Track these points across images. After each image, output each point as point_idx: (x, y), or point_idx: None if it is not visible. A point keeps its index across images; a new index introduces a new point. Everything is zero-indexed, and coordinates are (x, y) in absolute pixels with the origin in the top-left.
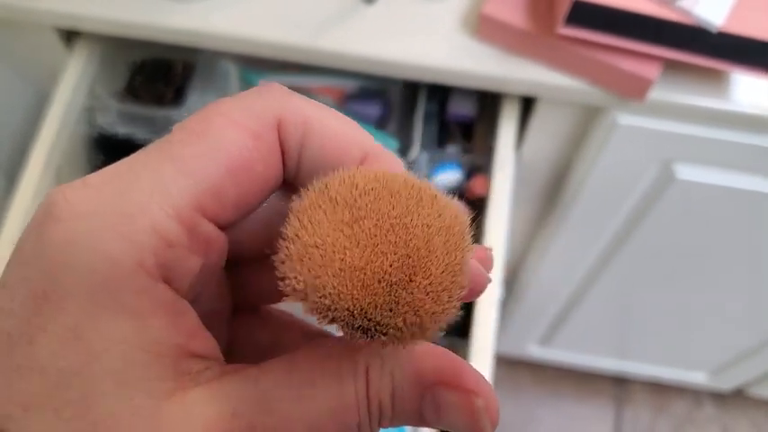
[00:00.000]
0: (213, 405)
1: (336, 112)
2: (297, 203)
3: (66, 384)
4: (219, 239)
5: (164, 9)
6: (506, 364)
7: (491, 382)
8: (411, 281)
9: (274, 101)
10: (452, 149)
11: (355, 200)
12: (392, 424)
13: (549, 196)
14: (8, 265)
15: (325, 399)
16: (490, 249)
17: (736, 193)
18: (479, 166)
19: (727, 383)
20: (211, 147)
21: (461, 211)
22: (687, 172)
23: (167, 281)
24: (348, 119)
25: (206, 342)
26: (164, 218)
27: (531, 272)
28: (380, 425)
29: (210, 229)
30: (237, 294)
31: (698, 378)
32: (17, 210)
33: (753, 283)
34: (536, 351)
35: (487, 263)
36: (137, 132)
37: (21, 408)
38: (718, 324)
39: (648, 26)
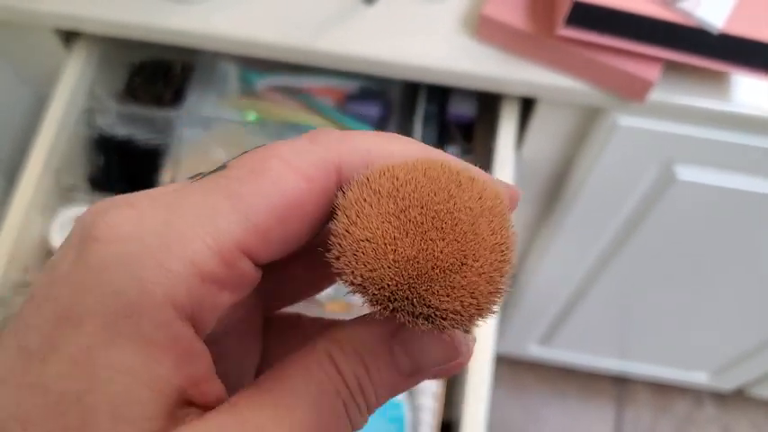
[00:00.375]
0: None
1: (397, 135)
2: (342, 199)
3: (64, 409)
4: (253, 276)
5: (164, 10)
6: (509, 363)
7: (492, 382)
8: (463, 264)
9: (330, 145)
10: (452, 150)
11: (397, 190)
12: (380, 393)
13: (549, 197)
14: (41, 279)
15: (303, 396)
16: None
17: (736, 194)
18: (479, 167)
19: (728, 384)
20: (268, 187)
21: (500, 191)
22: (688, 173)
23: (193, 316)
24: (410, 139)
25: (210, 389)
26: (204, 251)
27: (530, 272)
28: (366, 397)
29: (248, 266)
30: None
31: (699, 378)
32: (16, 210)
33: (753, 284)
34: (536, 351)
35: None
36: (136, 133)
37: (20, 425)
38: (719, 324)
39: (649, 27)
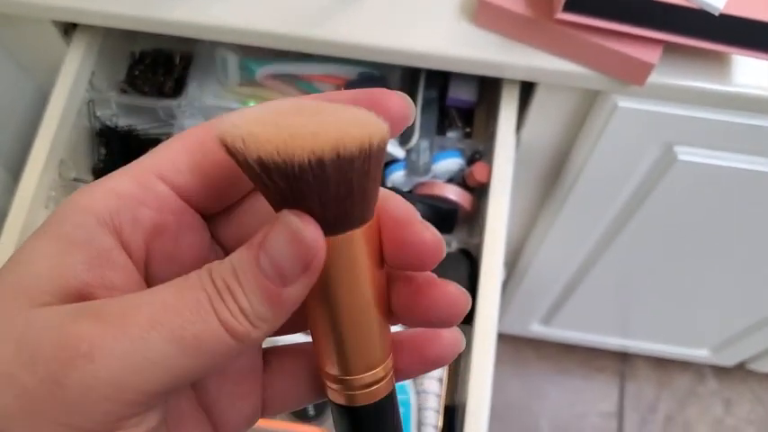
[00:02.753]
0: (60, 309)
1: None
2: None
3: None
4: (177, 204)
5: (163, 1)
6: (510, 340)
7: (494, 360)
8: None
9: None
10: (452, 135)
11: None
12: (250, 295)
13: (550, 180)
14: None
15: (172, 285)
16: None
17: (737, 173)
18: (480, 151)
19: (729, 360)
20: (178, 136)
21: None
22: (689, 153)
23: (115, 229)
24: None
25: (114, 294)
26: (121, 178)
27: (532, 253)
28: (235, 296)
29: (166, 191)
30: None
31: (700, 354)
32: (20, 203)
33: (754, 262)
34: (538, 330)
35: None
36: (138, 124)
37: None
38: (720, 302)
39: (649, 10)
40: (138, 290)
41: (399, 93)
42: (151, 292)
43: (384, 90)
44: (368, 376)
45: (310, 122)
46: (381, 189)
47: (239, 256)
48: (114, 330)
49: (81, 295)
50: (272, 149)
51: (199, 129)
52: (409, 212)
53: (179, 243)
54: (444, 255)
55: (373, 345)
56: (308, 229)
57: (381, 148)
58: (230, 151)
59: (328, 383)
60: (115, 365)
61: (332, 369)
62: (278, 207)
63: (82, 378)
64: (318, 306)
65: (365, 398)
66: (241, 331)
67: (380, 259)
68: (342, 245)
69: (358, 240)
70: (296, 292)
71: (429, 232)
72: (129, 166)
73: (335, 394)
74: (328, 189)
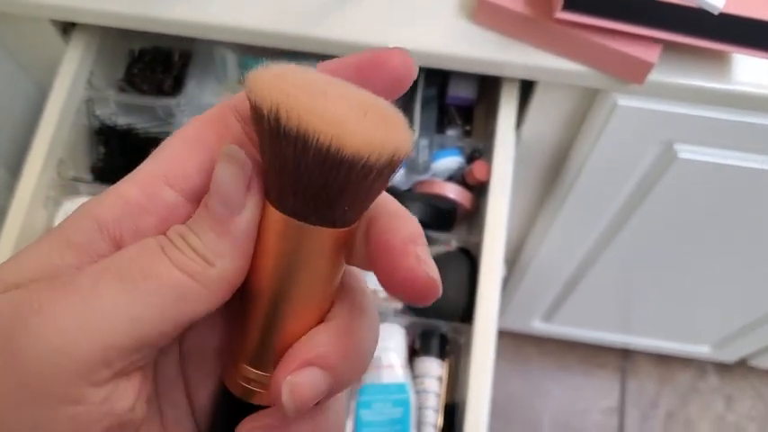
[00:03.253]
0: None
1: None
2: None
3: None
4: (184, 207)
5: (161, 0)
6: (512, 337)
7: (494, 358)
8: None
9: (224, 102)
10: (452, 133)
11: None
12: (198, 230)
13: (550, 178)
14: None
15: (124, 249)
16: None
17: (737, 171)
18: (480, 150)
19: (730, 356)
20: (176, 133)
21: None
22: (689, 151)
23: (115, 237)
24: None
25: None
26: (126, 186)
27: (532, 251)
28: (186, 238)
29: (173, 195)
30: None
31: (701, 351)
32: (20, 203)
33: (754, 259)
34: (540, 327)
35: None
36: (137, 122)
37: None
38: (721, 299)
39: (648, 9)
40: None
41: (401, 49)
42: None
43: (385, 49)
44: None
45: (349, 110)
46: (396, 204)
47: (195, 217)
48: (65, 288)
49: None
50: (308, 122)
51: (197, 124)
52: (408, 241)
53: None
54: (440, 294)
55: (287, 346)
56: (242, 152)
57: (396, 168)
58: (258, 107)
59: (235, 372)
60: (66, 319)
61: (243, 358)
62: (269, 167)
63: (33, 336)
64: (262, 281)
65: (259, 398)
66: (195, 268)
67: (336, 272)
68: (309, 235)
69: (325, 240)
70: (245, 217)
71: (421, 269)
72: (137, 170)
73: (234, 384)
74: (328, 180)
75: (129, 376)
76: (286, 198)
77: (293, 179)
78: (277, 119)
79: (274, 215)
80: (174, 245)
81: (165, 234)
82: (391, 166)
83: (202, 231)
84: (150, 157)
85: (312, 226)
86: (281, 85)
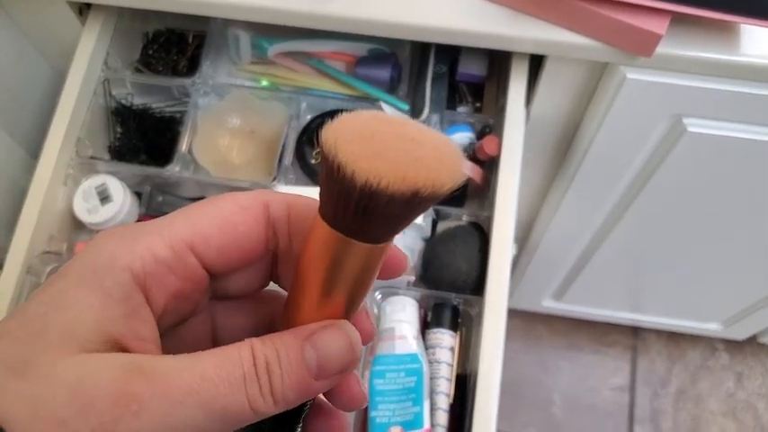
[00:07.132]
0: (112, 360)
1: (304, 196)
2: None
3: (32, 321)
4: (199, 274)
5: None
6: (522, 316)
7: (505, 336)
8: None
9: (261, 192)
10: (462, 110)
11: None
12: (286, 382)
13: (559, 153)
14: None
15: (210, 356)
16: None
17: (747, 144)
18: (490, 125)
19: (740, 334)
20: (211, 209)
21: None
22: (698, 124)
23: (145, 288)
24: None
25: (148, 349)
26: (159, 241)
27: (542, 228)
28: (271, 379)
29: (194, 263)
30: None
31: (712, 328)
32: (39, 182)
33: (764, 235)
34: (550, 305)
35: None
36: (152, 102)
37: (3, 336)
38: (731, 276)
39: None
40: (155, 341)
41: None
42: (193, 359)
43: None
44: None
45: (397, 153)
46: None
47: (284, 341)
48: (160, 394)
49: (118, 343)
50: (377, 174)
51: (233, 208)
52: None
53: (188, 303)
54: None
55: None
56: (361, 344)
57: (432, 202)
58: (328, 155)
59: None
60: (156, 424)
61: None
62: (327, 198)
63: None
64: (309, 282)
65: None
66: (263, 410)
67: (369, 282)
68: (353, 248)
69: (364, 253)
70: (322, 387)
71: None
72: (167, 225)
73: None
74: (384, 210)
75: None
76: (337, 218)
77: (344, 206)
78: (338, 168)
79: (325, 229)
80: (257, 378)
81: (252, 353)
82: (429, 198)
83: (288, 377)
84: (182, 213)
85: (357, 242)
86: (342, 134)
